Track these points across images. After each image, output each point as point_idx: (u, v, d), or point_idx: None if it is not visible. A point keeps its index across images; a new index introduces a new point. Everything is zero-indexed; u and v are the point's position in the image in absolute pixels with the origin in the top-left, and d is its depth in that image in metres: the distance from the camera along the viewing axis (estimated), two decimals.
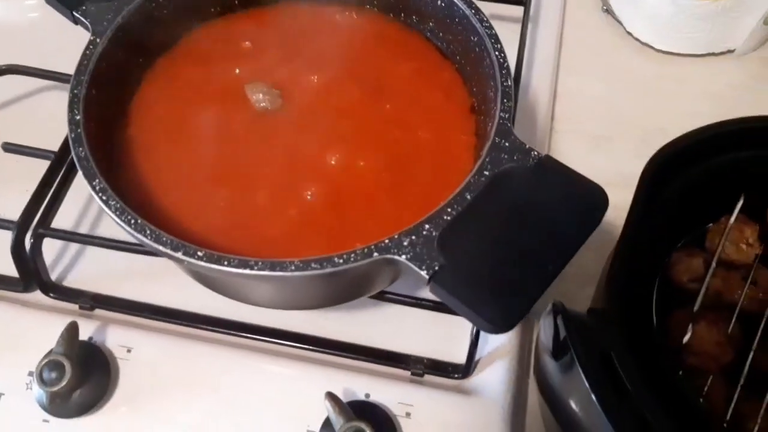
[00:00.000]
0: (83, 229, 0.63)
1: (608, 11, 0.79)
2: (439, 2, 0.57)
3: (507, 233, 0.44)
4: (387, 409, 0.53)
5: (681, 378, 0.49)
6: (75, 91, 0.50)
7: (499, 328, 0.41)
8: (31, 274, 0.58)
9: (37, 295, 0.59)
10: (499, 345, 0.57)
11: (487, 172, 0.45)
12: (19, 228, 0.57)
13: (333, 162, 0.52)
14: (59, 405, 0.52)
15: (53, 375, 0.50)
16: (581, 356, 0.43)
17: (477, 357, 0.56)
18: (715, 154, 0.53)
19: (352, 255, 0.43)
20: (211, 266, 0.43)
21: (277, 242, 0.50)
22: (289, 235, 0.50)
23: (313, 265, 0.42)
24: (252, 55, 0.58)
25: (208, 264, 0.43)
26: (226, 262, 0.43)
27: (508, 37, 0.62)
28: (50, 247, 0.60)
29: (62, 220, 0.60)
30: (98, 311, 0.59)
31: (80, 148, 0.47)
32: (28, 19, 0.77)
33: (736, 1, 0.71)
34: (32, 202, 0.58)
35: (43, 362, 0.50)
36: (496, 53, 0.51)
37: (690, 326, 0.50)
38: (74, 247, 0.62)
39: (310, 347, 0.57)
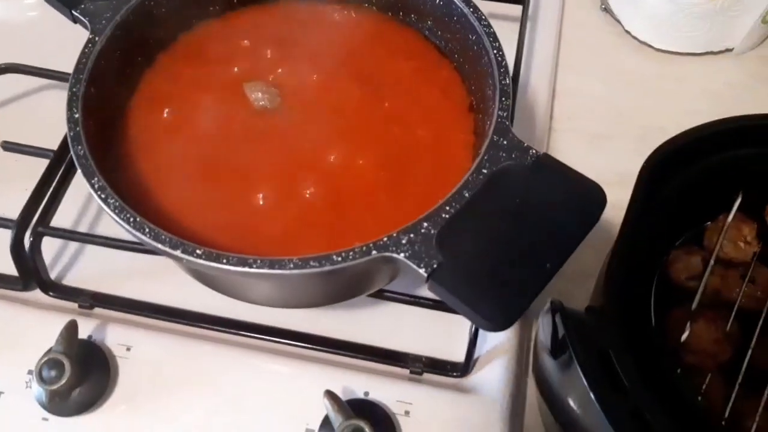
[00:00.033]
0: (82, 228, 0.63)
1: (607, 10, 0.79)
2: (437, 0, 0.57)
3: (505, 231, 0.44)
4: (386, 407, 0.53)
5: (679, 376, 0.49)
6: (74, 90, 0.50)
7: (497, 325, 0.41)
8: (31, 273, 0.58)
9: (37, 294, 0.59)
10: (497, 343, 0.57)
11: (485, 170, 0.45)
12: (19, 226, 0.57)
13: (332, 160, 0.53)
14: (58, 403, 0.52)
15: (53, 373, 0.50)
16: (579, 354, 0.43)
17: (476, 355, 0.56)
18: (714, 152, 0.53)
19: (351, 253, 0.43)
20: (210, 264, 0.43)
21: (276, 240, 0.50)
22: (288, 234, 0.50)
23: (311, 263, 0.42)
24: (251, 54, 0.58)
25: (206, 262, 0.43)
26: (224, 260, 0.43)
27: (507, 36, 0.62)
28: (49, 246, 0.60)
29: (61, 218, 0.60)
30: (97, 310, 0.59)
31: (79, 147, 0.47)
32: (27, 17, 0.77)
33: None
34: (31, 200, 0.58)
35: (43, 360, 0.50)
36: (494, 51, 0.51)
37: (688, 324, 0.50)
38: (73, 245, 0.62)
39: (309, 346, 0.57)
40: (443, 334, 0.58)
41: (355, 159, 0.53)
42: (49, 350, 0.51)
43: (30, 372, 0.54)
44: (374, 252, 0.43)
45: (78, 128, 0.48)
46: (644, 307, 0.53)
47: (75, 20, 0.55)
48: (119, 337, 0.56)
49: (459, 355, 0.56)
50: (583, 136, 0.71)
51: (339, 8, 0.61)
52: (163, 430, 0.53)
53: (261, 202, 0.51)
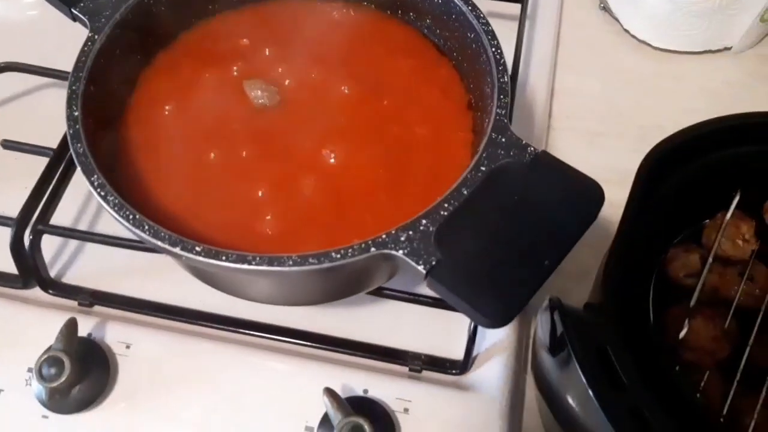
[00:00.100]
0: (82, 226, 0.63)
1: (605, 9, 0.79)
2: None
3: (504, 228, 0.44)
4: (385, 404, 0.53)
5: (678, 373, 0.50)
6: (73, 88, 0.50)
7: (496, 322, 0.41)
8: (30, 271, 0.58)
9: (36, 292, 0.59)
10: (496, 341, 0.57)
11: (483, 168, 0.46)
12: (18, 224, 0.57)
13: (331, 158, 0.53)
14: (58, 401, 0.52)
15: (52, 371, 0.50)
16: (578, 352, 0.43)
17: (474, 353, 0.56)
18: (712, 150, 0.53)
19: (350, 250, 0.43)
20: (209, 261, 0.43)
21: (275, 238, 0.50)
22: (288, 232, 0.50)
23: (310, 260, 0.42)
24: (250, 52, 0.58)
25: (206, 259, 0.43)
26: (224, 257, 0.43)
27: (506, 34, 0.62)
28: (49, 244, 0.60)
29: (61, 216, 0.60)
30: (97, 308, 0.59)
31: (79, 145, 0.48)
32: (27, 16, 0.77)
33: None
34: (31, 198, 0.58)
35: (43, 358, 0.50)
36: (493, 49, 0.51)
37: (686, 322, 0.51)
38: (73, 243, 0.63)
39: (309, 343, 0.57)
40: (442, 331, 0.58)
41: (353, 157, 0.53)
42: (49, 348, 0.51)
43: (30, 370, 0.54)
44: (373, 249, 0.43)
45: (77, 126, 0.48)
46: (643, 305, 0.53)
47: (74, 18, 0.55)
48: (119, 334, 0.56)
49: (458, 353, 0.56)
50: (581, 135, 0.71)
51: (338, 7, 0.61)
52: (163, 428, 0.53)
53: (260, 200, 0.51)
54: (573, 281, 0.58)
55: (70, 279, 0.61)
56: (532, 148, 0.46)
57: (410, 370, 0.56)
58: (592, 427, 0.43)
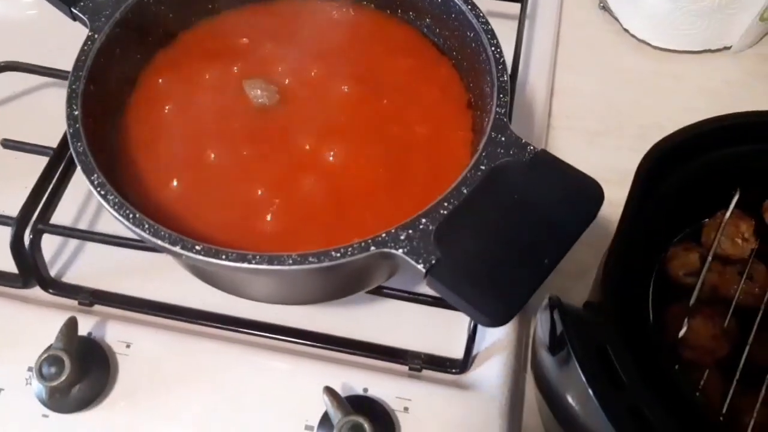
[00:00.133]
0: (82, 225, 0.63)
1: (605, 8, 0.79)
2: None
3: (503, 227, 0.44)
4: (385, 403, 0.53)
5: (677, 372, 0.50)
6: (73, 87, 0.50)
7: (495, 321, 0.41)
8: (31, 270, 0.58)
9: (37, 291, 0.59)
10: (496, 340, 0.57)
11: (483, 167, 0.46)
12: (19, 224, 0.57)
13: (330, 157, 0.53)
14: (58, 400, 0.52)
15: (52, 370, 0.50)
16: (578, 350, 0.43)
17: (474, 352, 0.56)
18: (711, 149, 0.53)
19: (350, 249, 0.43)
20: (209, 260, 0.43)
21: (275, 237, 0.50)
22: (287, 231, 0.50)
23: (310, 258, 0.42)
24: (250, 51, 0.58)
25: (206, 258, 0.43)
26: (224, 256, 0.43)
27: (506, 34, 0.62)
28: (49, 243, 0.60)
29: (61, 216, 0.60)
30: (97, 307, 0.59)
31: (79, 144, 0.48)
32: (26, 16, 0.77)
33: None
34: (31, 198, 0.58)
35: (43, 357, 0.51)
36: (492, 48, 0.51)
37: (686, 320, 0.51)
38: (73, 243, 0.63)
39: (309, 342, 0.57)
40: (442, 330, 0.58)
41: (353, 156, 0.53)
42: (49, 347, 0.51)
43: (30, 369, 0.54)
44: (373, 248, 0.43)
45: (77, 125, 0.48)
46: (642, 304, 0.53)
47: (74, 18, 0.55)
48: (119, 334, 0.56)
49: (458, 352, 0.56)
50: (581, 134, 0.71)
51: (338, 6, 0.61)
52: (163, 427, 0.54)
53: (260, 200, 0.51)
54: (573, 280, 0.58)
55: (70, 278, 0.61)
56: (531, 147, 0.46)
57: (410, 369, 0.56)
58: (592, 426, 0.43)
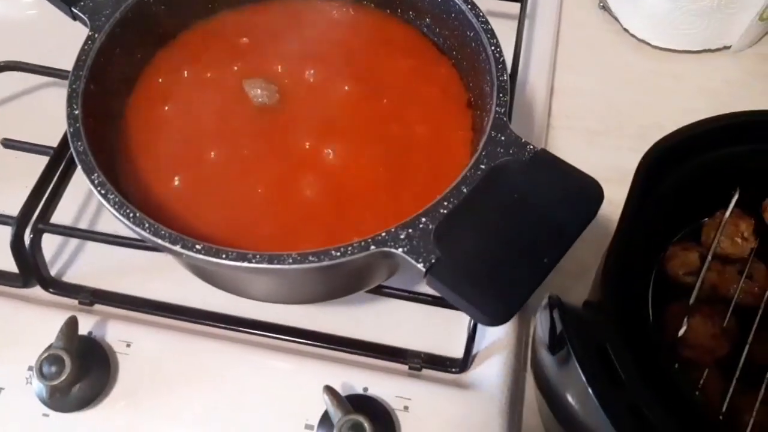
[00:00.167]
0: (83, 225, 0.63)
1: (605, 8, 0.79)
2: None
3: (503, 226, 0.44)
4: (385, 402, 0.53)
5: (677, 371, 0.50)
6: (73, 86, 0.50)
7: (495, 320, 0.41)
8: (31, 270, 0.58)
9: (37, 291, 0.60)
10: (496, 339, 0.57)
11: (483, 166, 0.46)
12: (19, 223, 0.57)
13: (330, 157, 0.53)
14: (59, 399, 0.52)
15: (53, 369, 0.50)
16: (577, 350, 0.43)
17: (474, 351, 0.56)
18: (711, 149, 0.53)
19: (350, 248, 0.43)
20: (210, 259, 0.43)
21: (275, 237, 0.50)
22: (288, 230, 0.50)
23: (310, 258, 0.43)
24: (250, 51, 0.58)
25: (206, 257, 0.43)
26: (224, 255, 0.43)
27: (506, 34, 0.63)
28: (50, 243, 0.60)
29: (62, 215, 0.60)
30: (98, 306, 0.59)
31: (79, 143, 0.48)
32: (26, 16, 0.77)
33: None
34: (31, 197, 0.58)
35: (43, 356, 0.51)
36: (492, 48, 0.51)
37: (686, 320, 0.51)
38: (74, 242, 0.63)
39: (309, 342, 0.57)
40: (442, 330, 0.58)
41: (353, 155, 0.53)
42: (50, 346, 0.51)
43: (30, 368, 0.54)
44: (372, 247, 0.43)
45: (78, 125, 0.48)
46: (642, 303, 0.53)
47: (74, 17, 0.55)
48: (119, 333, 0.56)
49: (458, 351, 0.56)
50: (580, 133, 0.71)
51: (337, 6, 0.61)
52: (163, 426, 0.54)
53: (260, 199, 0.51)
54: (572, 279, 0.58)
55: (70, 278, 0.61)
56: (531, 147, 0.46)
57: (410, 368, 0.56)
58: (592, 425, 0.43)
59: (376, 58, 0.58)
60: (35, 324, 0.56)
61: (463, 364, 0.56)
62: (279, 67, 0.57)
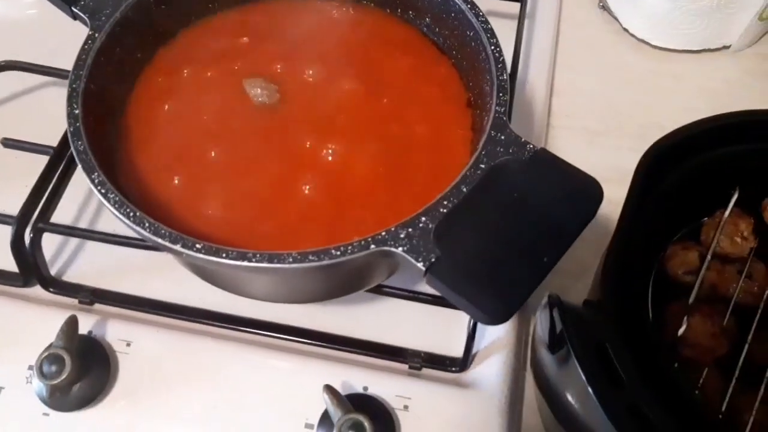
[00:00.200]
0: (83, 224, 0.63)
1: (604, 8, 0.79)
2: None
3: (503, 225, 0.44)
4: (385, 402, 0.53)
5: (676, 370, 0.50)
6: (74, 86, 0.50)
7: (495, 319, 0.41)
8: (31, 269, 0.58)
9: (37, 290, 0.60)
10: (495, 338, 0.57)
11: (483, 165, 0.46)
12: (19, 223, 0.57)
13: (330, 156, 0.53)
14: (59, 398, 0.52)
15: (53, 368, 0.50)
16: (577, 349, 0.43)
17: (474, 350, 0.56)
18: (711, 148, 0.53)
19: (350, 247, 0.43)
20: (210, 258, 0.43)
21: (275, 236, 0.50)
22: (288, 229, 0.50)
23: (310, 257, 0.43)
24: (250, 50, 0.58)
25: (206, 256, 0.43)
26: (224, 255, 0.43)
27: (505, 33, 0.63)
28: (50, 242, 0.60)
29: (62, 215, 0.60)
30: (98, 306, 0.59)
31: (79, 142, 0.48)
32: (27, 15, 0.77)
33: None
34: (32, 197, 0.58)
35: (43, 356, 0.51)
36: (492, 47, 0.51)
37: (685, 319, 0.51)
38: (74, 241, 0.63)
39: (309, 341, 0.57)
40: (442, 329, 0.58)
41: (353, 155, 0.53)
42: (50, 346, 0.51)
43: (30, 367, 0.54)
44: (372, 246, 0.43)
45: (78, 124, 0.48)
46: (641, 302, 0.53)
47: (75, 17, 0.55)
48: (119, 332, 0.56)
49: (457, 350, 0.56)
50: (580, 133, 0.71)
51: (337, 5, 0.61)
52: (163, 425, 0.54)
53: (260, 198, 0.51)
54: (572, 278, 0.58)
55: (70, 277, 0.61)
56: (531, 146, 0.46)
57: (410, 367, 0.56)
58: (591, 424, 0.43)
59: (376, 57, 0.58)
60: (35, 323, 0.56)
61: (463, 363, 0.56)
62: (279, 66, 0.57)
